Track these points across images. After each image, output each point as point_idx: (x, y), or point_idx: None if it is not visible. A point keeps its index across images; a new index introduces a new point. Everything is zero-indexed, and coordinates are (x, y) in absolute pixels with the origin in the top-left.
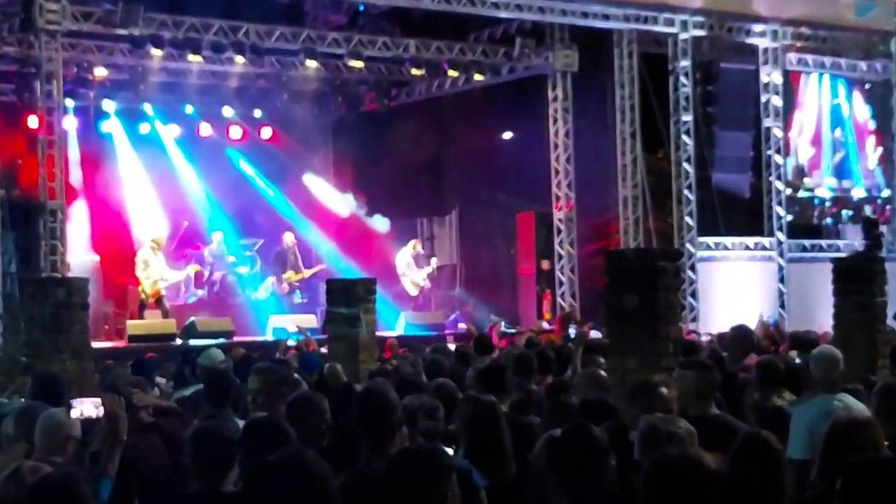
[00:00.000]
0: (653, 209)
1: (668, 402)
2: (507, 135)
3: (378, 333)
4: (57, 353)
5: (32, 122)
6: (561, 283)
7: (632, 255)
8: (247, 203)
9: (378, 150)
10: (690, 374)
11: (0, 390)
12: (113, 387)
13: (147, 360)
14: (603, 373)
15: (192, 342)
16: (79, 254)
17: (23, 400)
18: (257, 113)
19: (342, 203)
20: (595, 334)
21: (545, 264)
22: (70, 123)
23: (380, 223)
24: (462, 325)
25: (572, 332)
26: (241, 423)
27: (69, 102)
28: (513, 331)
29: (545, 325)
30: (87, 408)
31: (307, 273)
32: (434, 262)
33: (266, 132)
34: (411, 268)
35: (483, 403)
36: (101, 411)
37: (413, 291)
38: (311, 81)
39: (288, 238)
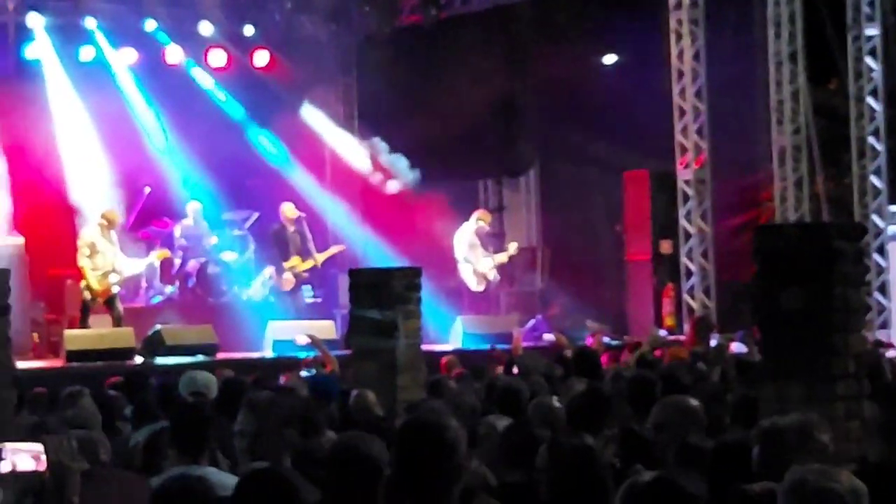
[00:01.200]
0: (822, 165)
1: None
2: (610, 58)
3: (425, 347)
4: None
5: None
6: (689, 274)
7: (793, 233)
8: (235, 160)
9: (421, 83)
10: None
11: None
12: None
13: (112, 389)
14: (694, 402)
15: (158, 360)
16: None
17: None
18: (248, 30)
19: (367, 157)
20: (738, 348)
21: (666, 246)
22: None
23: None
24: (547, 336)
25: (713, 344)
26: (228, 479)
27: None
28: (618, 342)
29: (665, 333)
30: (21, 459)
31: (320, 258)
32: (514, 246)
33: (261, 57)
34: (476, 251)
35: (576, 450)
36: (42, 463)
37: (477, 286)
38: None
39: (288, 210)
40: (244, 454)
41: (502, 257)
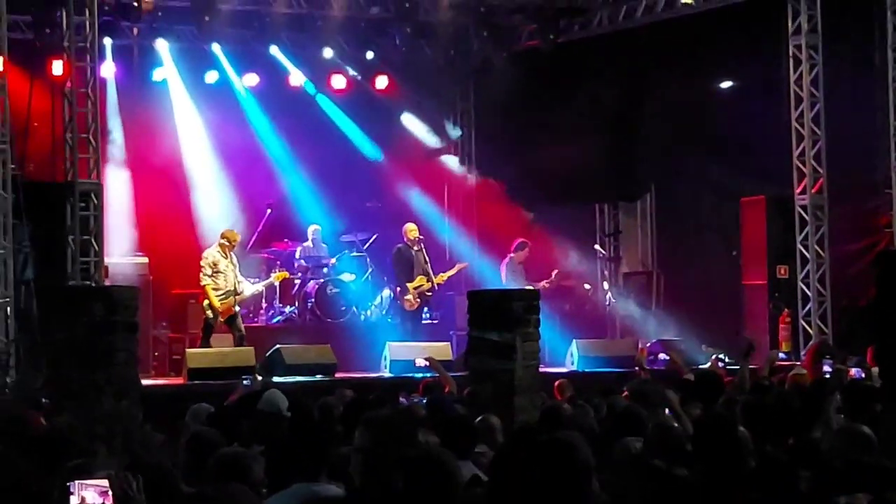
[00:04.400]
0: None
1: None
2: (727, 83)
3: (543, 369)
4: (93, 392)
5: (56, 68)
6: (806, 299)
7: None
8: (354, 182)
9: (538, 107)
10: None
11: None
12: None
13: (232, 406)
14: (866, 430)
15: (278, 379)
16: (120, 254)
17: None
18: (369, 55)
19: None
20: (858, 373)
21: (783, 271)
22: (108, 70)
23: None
24: (663, 356)
25: (827, 368)
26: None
27: (107, 41)
28: (736, 367)
29: (782, 356)
30: (89, 494)
31: (442, 277)
32: (555, 275)
33: (381, 82)
34: (518, 279)
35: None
36: (109, 498)
37: None
38: (444, 10)
39: (411, 231)
40: (359, 471)
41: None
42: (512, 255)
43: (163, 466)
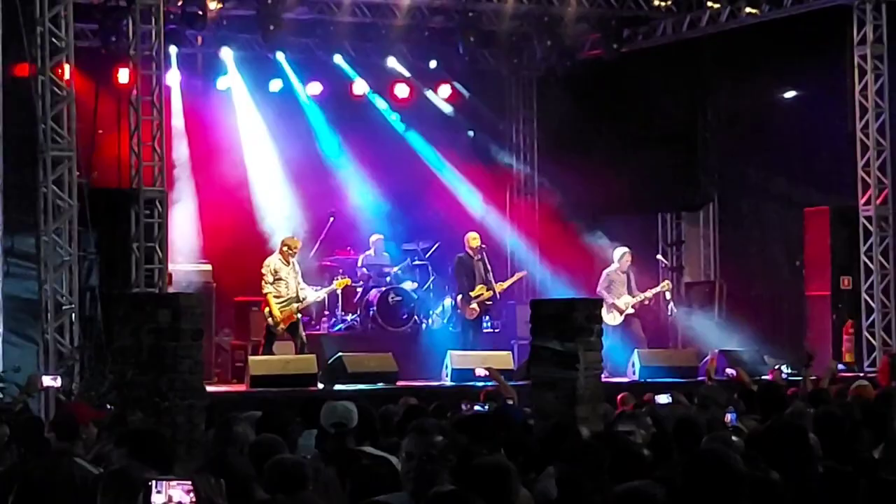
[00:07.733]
0: None
1: None
2: (791, 93)
3: (605, 379)
4: (158, 399)
5: (122, 76)
6: (870, 311)
7: None
8: (417, 191)
9: (600, 116)
10: None
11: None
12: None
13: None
14: None
15: (339, 387)
16: (183, 261)
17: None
18: (432, 64)
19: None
20: None
21: (846, 282)
22: (173, 78)
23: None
24: (730, 371)
25: None
26: None
27: (172, 50)
28: (799, 377)
29: (843, 368)
30: (176, 492)
31: (503, 286)
32: (665, 285)
33: (444, 91)
34: (618, 288)
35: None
36: (193, 498)
37: (614, 321)
38: (508, 19)
39: (473, 240)
40: (408, 476)
41: (645, 295)
42: (616, 263)
43: (242, 470)
